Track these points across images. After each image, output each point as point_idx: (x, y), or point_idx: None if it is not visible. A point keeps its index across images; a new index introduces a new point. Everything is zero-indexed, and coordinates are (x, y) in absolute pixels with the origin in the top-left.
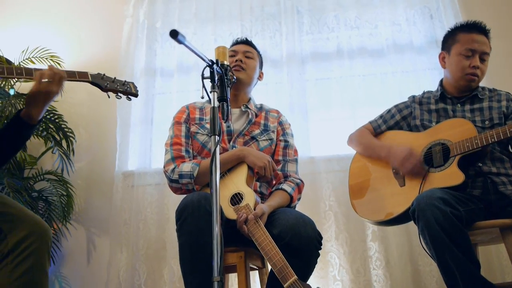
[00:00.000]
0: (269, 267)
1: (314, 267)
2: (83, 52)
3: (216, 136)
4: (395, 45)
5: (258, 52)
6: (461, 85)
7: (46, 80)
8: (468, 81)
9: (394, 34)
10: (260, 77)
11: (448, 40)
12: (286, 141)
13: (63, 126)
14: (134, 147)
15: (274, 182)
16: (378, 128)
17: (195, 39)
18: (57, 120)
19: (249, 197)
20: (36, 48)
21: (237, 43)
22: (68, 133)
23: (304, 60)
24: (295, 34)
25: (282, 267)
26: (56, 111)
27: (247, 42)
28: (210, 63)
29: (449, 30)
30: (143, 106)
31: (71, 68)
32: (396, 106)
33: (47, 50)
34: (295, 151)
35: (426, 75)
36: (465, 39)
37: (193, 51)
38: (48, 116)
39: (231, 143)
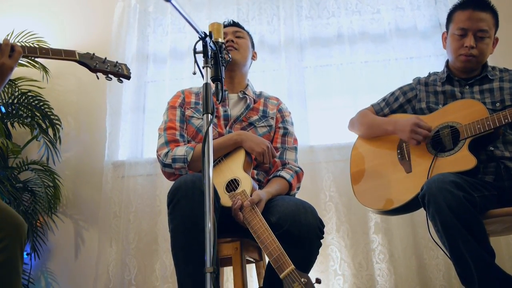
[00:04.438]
0: (267, 260)
1: (316, 257)
2: (72, 37)
3: (209, 115)
4: (398, 29)
5: (247, 32)
6: (458, 66)
7: None
8: (463, 62)
9: (397, 18)
10: (254, 57)
11: (447, 19)
12: (285, 128)
13: (49, 113)
14: (125, 136)
15: (272, 170)
16: (380, 111)
17: None
18: (43, 107)
19: (246, 183)
20: (22, 32)
21: (224, 26)
22: (54, 121)
23: (303, 46)
24: (293, 19)
25: (278, 256)
26: (42, 97)
27: (235, 24)
28: (203, 35)
29: (450, 8)
30: (134, 93)
31: None
32: (400, 88)
33: (33, 34)
34: (295, 140)
35: (431, 61)
36: (458, 18)
37: (182, 15)
38: (34, 103)
39: (227, 128)
